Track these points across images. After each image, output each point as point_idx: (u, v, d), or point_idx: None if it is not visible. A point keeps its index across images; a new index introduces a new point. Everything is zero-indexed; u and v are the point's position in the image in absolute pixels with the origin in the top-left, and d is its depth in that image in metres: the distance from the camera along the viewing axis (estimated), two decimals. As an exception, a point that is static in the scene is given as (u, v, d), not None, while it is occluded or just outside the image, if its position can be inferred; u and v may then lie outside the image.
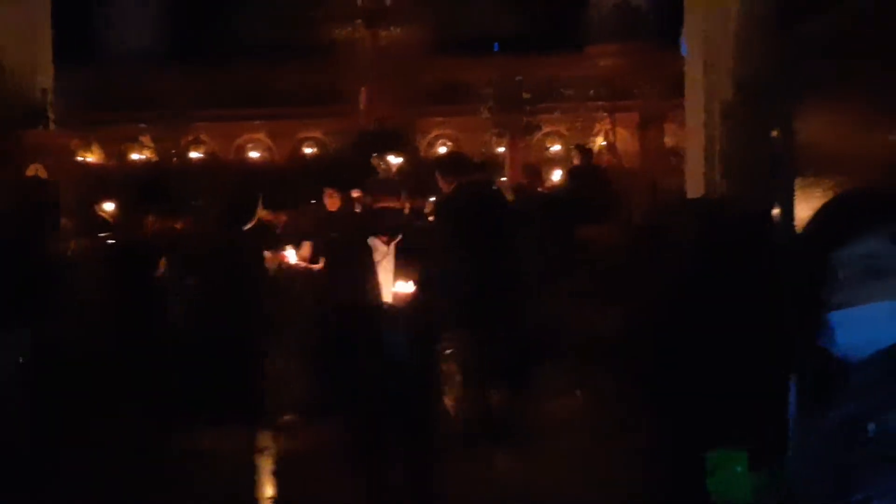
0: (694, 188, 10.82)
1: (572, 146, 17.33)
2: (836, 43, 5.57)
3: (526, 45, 22.80)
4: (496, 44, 24.86)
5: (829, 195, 5.75)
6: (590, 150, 16.42)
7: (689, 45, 11.68)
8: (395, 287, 6.18)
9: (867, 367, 1.78)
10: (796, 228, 6.27)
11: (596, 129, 22.78)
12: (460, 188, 8.30)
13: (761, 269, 4.75)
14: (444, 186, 8.23)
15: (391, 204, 6.19)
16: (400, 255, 6.25)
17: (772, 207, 6.95)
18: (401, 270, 6.17)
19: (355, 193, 10.94)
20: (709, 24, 10.87)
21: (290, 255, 9.22)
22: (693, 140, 11.25)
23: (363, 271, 6.17)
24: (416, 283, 6.10)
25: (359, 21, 21.10)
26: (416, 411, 6.35)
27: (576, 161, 16.32)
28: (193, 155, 23.91)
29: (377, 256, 6.23)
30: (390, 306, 6.15)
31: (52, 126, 13.66)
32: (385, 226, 6.28)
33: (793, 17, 6.16)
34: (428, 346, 6.70)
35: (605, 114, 22.71)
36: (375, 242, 6.29)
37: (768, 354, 3.44)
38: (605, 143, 21.14)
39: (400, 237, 6.31)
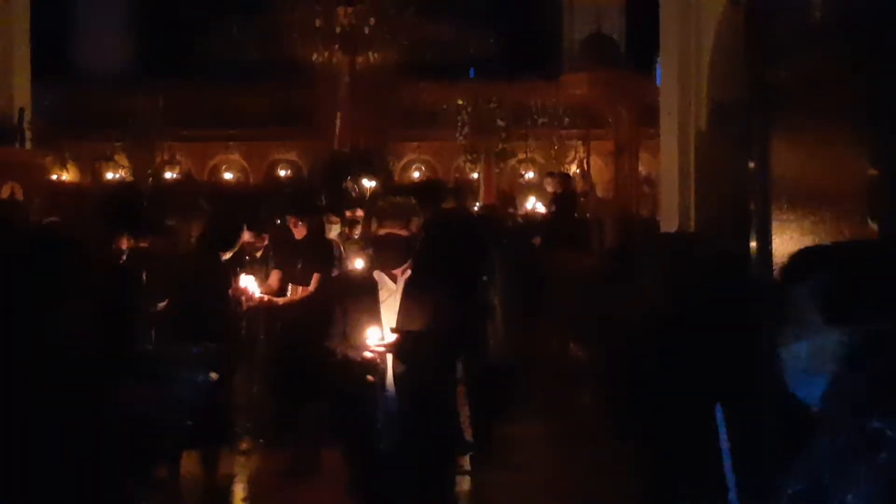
0: (668, 217, 10.84)
1: (546, 173, 17.36)
2: (807, 82, 5.59)
3: (501, 71, 22.91)
4: (472, 69, 24.97)
5: (805, 228, 5.75)
6: (569, 176, 16.43)
7: (664, 75, 11.73)
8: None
9: (828, 426, 1.79)
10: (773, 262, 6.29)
11: (570, 157, 22.85)
12: (436, 216, 8.23)
13: (731, 308, 4.87)
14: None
15: (398, 231, 4.84)
16: (410, 291, 4.97)
17: (746, 242, 6.96)
18: (410, 310, 4.92)
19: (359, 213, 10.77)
20: (683, 53, 10.91)
21: (252, 287, 8.28)
22: (667, 169, 11.27)
23: (368, 314, 4.89)
24: (425, 321, 4.90)
25: (335, 46, 21.08)
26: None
27: (549, 188, 16.33)
28: (168, 175, 23.77)
29: (383, 294, 4.96)
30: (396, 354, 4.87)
31: (28, 144, 13.57)
32: (393, 257, 4.95)
33: (764, 58, 6.19)
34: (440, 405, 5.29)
35: (579, 141, 22.77)
36: (383, 277, 4.99)
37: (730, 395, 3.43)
38: (578, 170, 21.18)
39: (410, 271, 5.00)
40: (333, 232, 10.21)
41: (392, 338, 4.84)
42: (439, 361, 5.15)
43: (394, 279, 4.99)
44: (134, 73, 24.08)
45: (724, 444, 2.22)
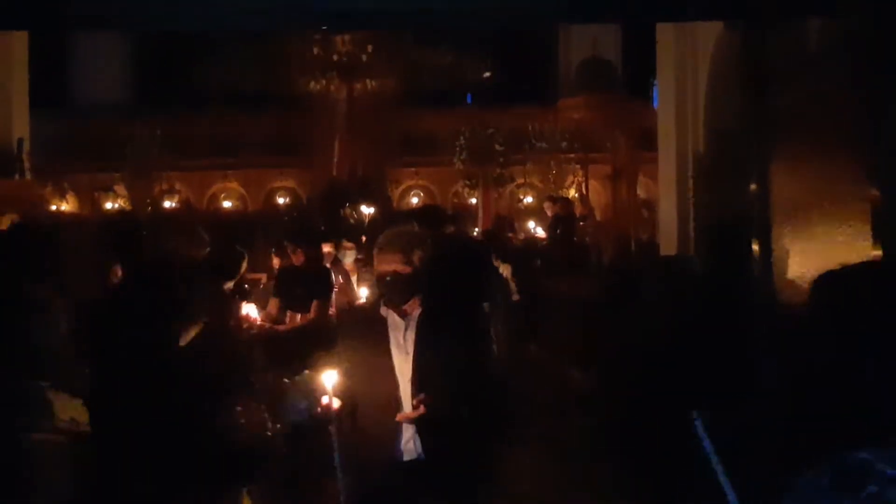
0: (667, 241, 10.86)
1: (545, 197, 17.41)
2: (802, 111, 5.64)
3: (498, 97, 23.02)
4: (469, 95, 25.07)
5: (804, 252, 5.74)
6: (568, 200, 16.47)
7: (662, 100, 11.77)
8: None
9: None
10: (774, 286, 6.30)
11: (568, 181, 22.91)
12: (437, 241, 8.17)
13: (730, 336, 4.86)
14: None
15: (400, 268, 4.24)
16: (422, 335, 4.31)
17: (745, 266, 7.01)
18: (430, 365, 4.24)
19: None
20: (681, 79, 10.95)
21: (253, 314, 8.18)
22: (666, 193, 11.29)
23: (376, 356, 4.28)
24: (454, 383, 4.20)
25: (333, 74, 21.20)
26: None
27: (549, 212, 16.37)
28: (167, 204, 23.82)
29: (392, 332, 4.36)
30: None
31: (27, 175, 13.57)
32: (399, 294, 4.33)
33: (757, 89, 6.24)
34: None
35: (577, 165, 22.85)
36: (390, 314, 4.39)
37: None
38: (577, 194, 21.24)
39: (420, 307, 4.37)
40: (348, 258, 10.33)
41: (405, 391, 4.23)
42: (482, 437, 4.28)
43: (402, 314, 4.37)
44: (132, 104, 24.16)
45: (712, 455, 2.23)
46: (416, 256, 4.37)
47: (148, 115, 22.73)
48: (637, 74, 22.25)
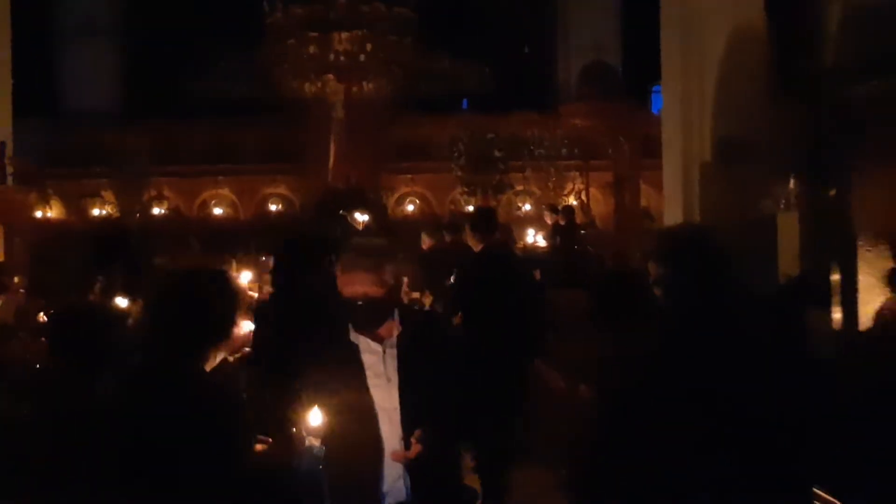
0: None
1: (545, 206, 17.25)
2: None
3: (495, 103, 22.89)
4: (465, 101, 24.94)
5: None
6: (569, 208, 16.31)
7: (666, 107, 11.65)
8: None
9: None
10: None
11: (568, 189, 22.77)
12: (488, 252, 7.51)
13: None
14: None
15: (370, 289, 3.77)
16: (406, 358, 3.86)
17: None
18: (408, 387, 3.82)
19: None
20: (686, 85, 10.83)
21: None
22: (671, 203, 11.16)
23: (350, 389, 3.76)
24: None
25: (330, 76, 20.97)
26: None
27: (549, 220, 16.21)
28: (156, 211, 23.66)
29: (368, 360, 3.87)
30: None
31: (9, 181, 13.41)
32: (371, 319, 3.85)
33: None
34: None
35: (577, 173, 22.71)
36: (366, 341, 3.90)
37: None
38: (577, 202, 21.09)
39: (398, 330, 3.91)
40: None
41: (392, 430, 3.76)
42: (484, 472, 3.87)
43: (378, 340, 3.86)
44: (121, 110, 24.03)
45: None
46: (387, 274, 3.87)
47: (137, 122, 22.59)
48: (637, 80, 22.16)
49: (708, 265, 3.44)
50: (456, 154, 21.75)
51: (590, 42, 22.61)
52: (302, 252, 5.87)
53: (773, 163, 8.37)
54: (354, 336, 3.89)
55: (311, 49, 20.61)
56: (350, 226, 17.91)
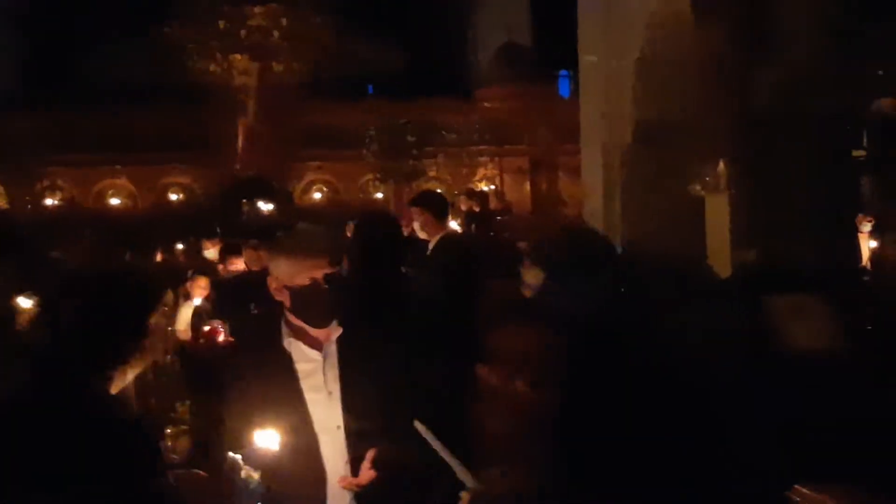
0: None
1: (462, 191, 17.16)
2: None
3: (405, 87, 22.72)
4: (370, 86, 24.74)
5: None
6: (485, 194, 16.25)
7: (584, 89, 11.58)
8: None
9: None
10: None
11: (480, 174, 22.75)
12: (450, 239, 6.75)
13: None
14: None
15: (317, 276, 3.19)
16: (349, 365, 3.32)
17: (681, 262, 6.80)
18: (354, 400, 3.27)
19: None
20: (606, 67, 10.78)
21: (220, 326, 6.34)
22: (590, 188, 11.11)
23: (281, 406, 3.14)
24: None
25: (238, 56, 20.48)
26: None
27: (463, 207, 16.11)
28: (48, 202, 23.02)
29: (303, 369, 3.26)
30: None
31: None
32: (319, 313, 3.25)
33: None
34: None
35: (489, 159, 22.71)
36: (298, 346, 3.27)
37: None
38: (492, 187, 21.08)
39: (340, 330, 3.32)
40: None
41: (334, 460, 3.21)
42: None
43: (317, 346, 3.28)
44: (12, 94, 23.25)
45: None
46: (342, 264, 3.43)
47: (29, 107, 21.88)
48: (547, 65, 22.22)
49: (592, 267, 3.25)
50: (367, 140, 21.54)
51: (502, 22, 22.60)
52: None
53: (697, 145, 8.37)
54: (287, 342, 3.27)
55: (222, 24, 19.99)
56: (255, 216, 17.63)
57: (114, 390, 2.55)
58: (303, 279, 3.21)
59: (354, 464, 3.18)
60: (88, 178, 24.33)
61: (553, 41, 20.54)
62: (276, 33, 19.84)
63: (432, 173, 22.72)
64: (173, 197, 24.67)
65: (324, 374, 3.24)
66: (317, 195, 24.98)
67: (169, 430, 4.71)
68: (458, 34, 25.19)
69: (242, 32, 19.69)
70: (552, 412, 3.30)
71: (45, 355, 2.61)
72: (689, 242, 7.70)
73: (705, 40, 8.14)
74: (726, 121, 7.60)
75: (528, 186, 22.46)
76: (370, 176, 22.61)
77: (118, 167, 24.24)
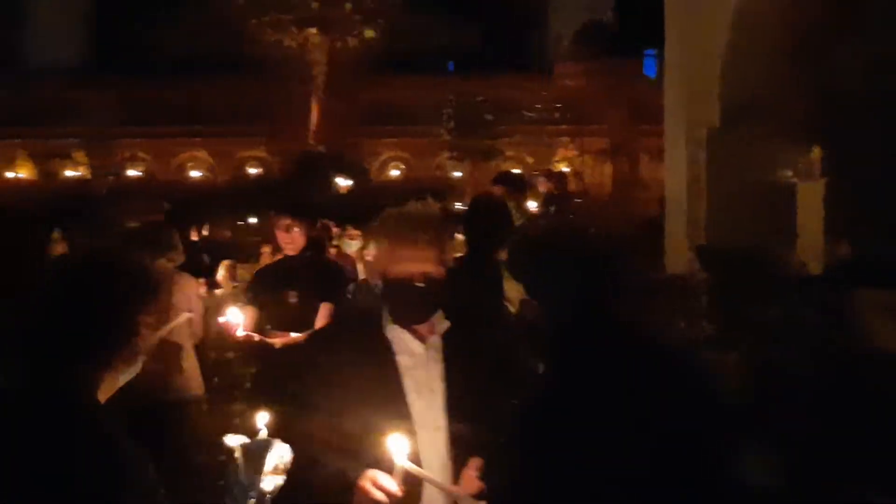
0: (674, 224, 10.37)
1: (543, 172, 16.90)
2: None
3: (483, 65, 22.46)
4: (451, 63, 24.52)
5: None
6: (564, 175, 15.96)
7: (669, 68, 11.26)
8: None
9: None
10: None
11: (559, 156, 22.43)
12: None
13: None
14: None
15: (427, 268, 2.90)
16: (455, 362, 3.01)
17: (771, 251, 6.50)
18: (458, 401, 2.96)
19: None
20: (691, 44, 10.44)
21: (236, 320, 5.55)
22: (673, 172, 10.79)
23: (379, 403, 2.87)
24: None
25: (312, 29, 20.38)
26: None
27: (542, 188, 15.84)
28: (130, 173, 23.26)
29: (404, 363, 2.98)
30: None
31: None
32: (419, 306, 2.98)
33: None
34: None
35: (568, 139, 22.39)
36: (401, 336, 3.00)
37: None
38: (569, 169, 20.75)
39: (447, 324, 3.04)
40: (352, 248, 7.88)
41: (434, 455, 2.89)
42: None
43: (421, 338, 3.00)
44: (91, 65, 23.50)
45: None
46: (448, 252, 3.04)
47: (108, 79, 22.08)
48: (631, 44, 21.81)
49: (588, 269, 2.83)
50: (445, 118, 21.31)
51: (582, 1, 22.24)
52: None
53: (789, 129, 8.04)
54: (389, 330, 3.00)
55: None
56: (333, 191, 17.55)
57: (102, 398, 2.18)
58: (398, 271, 2.94)
59: (456, 472, 2.87)
60: (168, 151, 24.53)
61: (638, 19, 20.14)
62: (347, 6, 19.55)
63: (510, 153, 22.46)
64: (251, 171, 24.78)
65: (427, 370, 2.98)
66: (394, 172, 24.89)
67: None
68: (537, 9, 24.87)
69: (314, 5, 19.43)
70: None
71: (22, 355, 2.22)
72: (778, 233, 7.39)
73: (797, 19, 7.80)
74: (821, 104, 7.27)
75: (608, 168, 22.08)
76: (446, 154, 22.39)
77: (197, 139, 24.38)
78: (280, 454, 2.41)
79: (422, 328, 2.97)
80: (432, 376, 2.95)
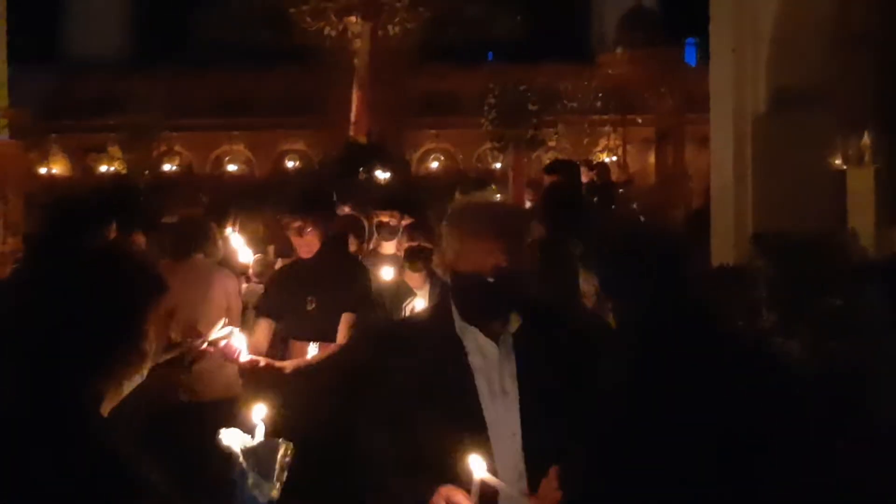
0: (721, 215, 10.18)
1: (582, 161, 16.73)
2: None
3: (524, 53, 22.28)
4: (490, 53, 24.35)
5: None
6: (605, 165, 15.78)
7: (715, 55, 11.07)
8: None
9: None
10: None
11: (602, 145, 22.23)
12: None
13: None
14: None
15: (498, 259, 2.72)
16: (528, 362, 2.82)
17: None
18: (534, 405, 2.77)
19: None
20: (738, 32, 10.25)
21: (239, 345, 4.85)
22: (720, 160, 10.61)
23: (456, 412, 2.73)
24: None
25: (353, 18, 20.22)
26: None
27: (584, 178, 15.67)
28: (166, 167, 23.31)
29: (477, 366, 2.78)
30: None
31: (4, 133, 12.94)
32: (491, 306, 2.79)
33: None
34: None
35: (611, 128, 22.18)
36: (475, 335, 2.83)
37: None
38: (614, 158, 20.54)
39: (519, 321, 2.86)
40: (389, 248, 6.80)
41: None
42: None
43: (493, 336, 2.82)
44: (129, 58, 23.60)
45: None
46: (527, 248, 2.87)
47: (146, 71, 22.15)
48: (673, 29, 21.59)
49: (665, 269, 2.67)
50: (487, 107, 21.12)
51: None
52: None
53: (837, 115, 7.85)
54: (460, 328, 2.82)
55: None
56: (373, 185, 17.44)
57: (105, 411, 2.01)
58: (468, 264, 2.76)
59: (533, 481, 2.68)
60: (206, 144, 24.56)
61: (680, 6, 19.92)
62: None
63: (552, 143, 22.24)
64: (290, 164, 24.76)
65: (499, 370, 2.79)
66: (434, 164, 24.79)
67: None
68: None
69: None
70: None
71: (18, 363, 2.01)
72: (828, 221, 7.22)
73: (849, 1, 7.63)
74: (871, 88, 7.09)
75: (652, 157, 21.83)
76: (488, 145, 22.20)
77: (235, 133, 24.39)
78: (286, 456, 2.24)
79: (494, 325, 2.81)
80: (505, 377, 2.77)
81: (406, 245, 5.79)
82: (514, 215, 2.94)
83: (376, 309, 5.45)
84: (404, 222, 6.42)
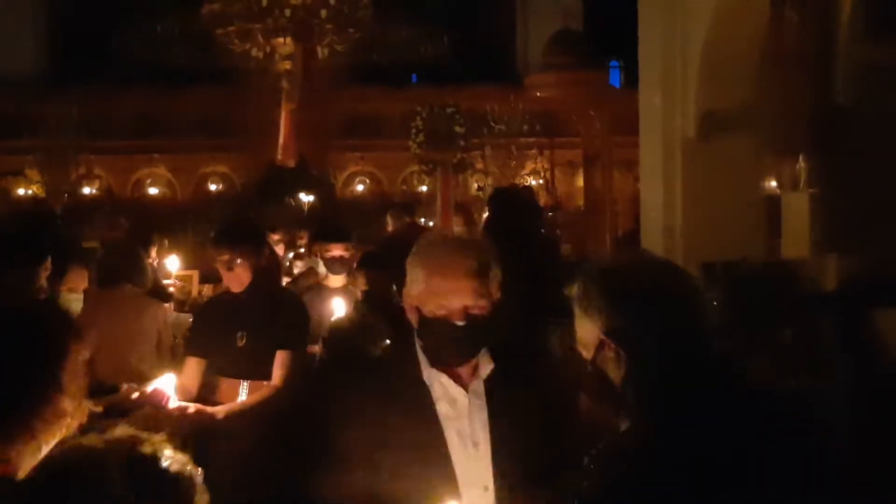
0: (650, 238, 10.19)
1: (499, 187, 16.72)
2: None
3: (450, 75, 22.25)
4: (414, 75, 24.33)
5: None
6: (530, 189, 15.81)
7: (644, 77, 11.11)
8: None
9: None
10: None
11: (529, 168, 22.27)
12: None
13: None
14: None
15: (468, 301, 2.57)
16: (501, 410, 2.68)
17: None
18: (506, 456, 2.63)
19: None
20: (668, 52, 10.28)
21: (167, 390, 4.42)
22: (649, 184, 10.61)
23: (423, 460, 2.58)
24: None
25: (280, 40, 19.88)
26: None
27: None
28: (86, 191, 22.84)
29: (444, 411, 2.65)
30: None
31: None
32: (461, 347, 2.63)
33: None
34: None
35: (537, 151, 22.24)
36: (441, 380, 2.67)
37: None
38: (541, 182, 20.57)
39: (491, 365, 2.71)
40: (337, 281, 6.40)
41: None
42: None
43: (462, 384, 2.67)
44: (46, 77, 23.08)
45: None
46: (497, 286, 2.64)
47: (63, 91, 21.64)
48: (598, 51, 21.75)
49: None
50: (414, 130, 21.03)
51: (555, 8, 22.08)
52: None
53: (771, 138, 7.87)
54: (427, 374, 2.66)
55: (265, 1, 19.28)
56: (296, 208, 17.27)
57: (24, 472, 1.77)
58: (435, 306, 2.59)
59: None
60: (126, 167, 24.15)
61: (603, 29, 20.08)
62: (323, 13, 18.99)
63: (479, 165, 22.25)
64: (212, 187, 24.46)
65: (469, 419, 2.64)
66: (359, 187, 24.67)
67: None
68: (507, 19, 24.77)
69: (286, 12, 18.85)
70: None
71: None
72: (760, 247, 7.21)
73: (780, 23, 7.65)
74: (805, 111, 7.11)
75: (580, 181, 21.92)
76: (415, 167, 22.13)
77: (156, 155, 24.00)
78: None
79: (463, 371, 2.66)
80: (476, 427, 2.63)
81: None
82: (484, 250, 2.68)
83: (317, 345, 5.28)
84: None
